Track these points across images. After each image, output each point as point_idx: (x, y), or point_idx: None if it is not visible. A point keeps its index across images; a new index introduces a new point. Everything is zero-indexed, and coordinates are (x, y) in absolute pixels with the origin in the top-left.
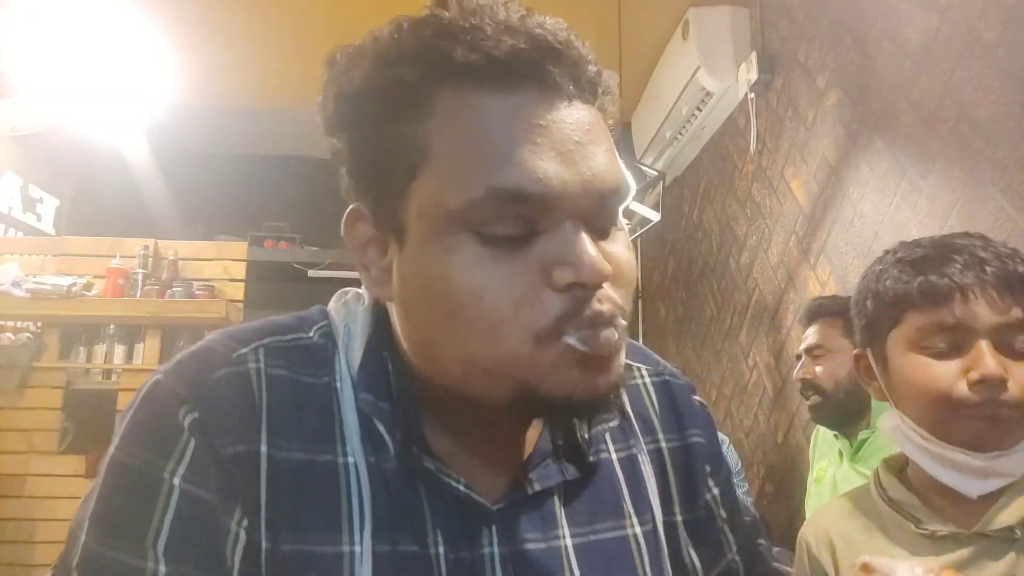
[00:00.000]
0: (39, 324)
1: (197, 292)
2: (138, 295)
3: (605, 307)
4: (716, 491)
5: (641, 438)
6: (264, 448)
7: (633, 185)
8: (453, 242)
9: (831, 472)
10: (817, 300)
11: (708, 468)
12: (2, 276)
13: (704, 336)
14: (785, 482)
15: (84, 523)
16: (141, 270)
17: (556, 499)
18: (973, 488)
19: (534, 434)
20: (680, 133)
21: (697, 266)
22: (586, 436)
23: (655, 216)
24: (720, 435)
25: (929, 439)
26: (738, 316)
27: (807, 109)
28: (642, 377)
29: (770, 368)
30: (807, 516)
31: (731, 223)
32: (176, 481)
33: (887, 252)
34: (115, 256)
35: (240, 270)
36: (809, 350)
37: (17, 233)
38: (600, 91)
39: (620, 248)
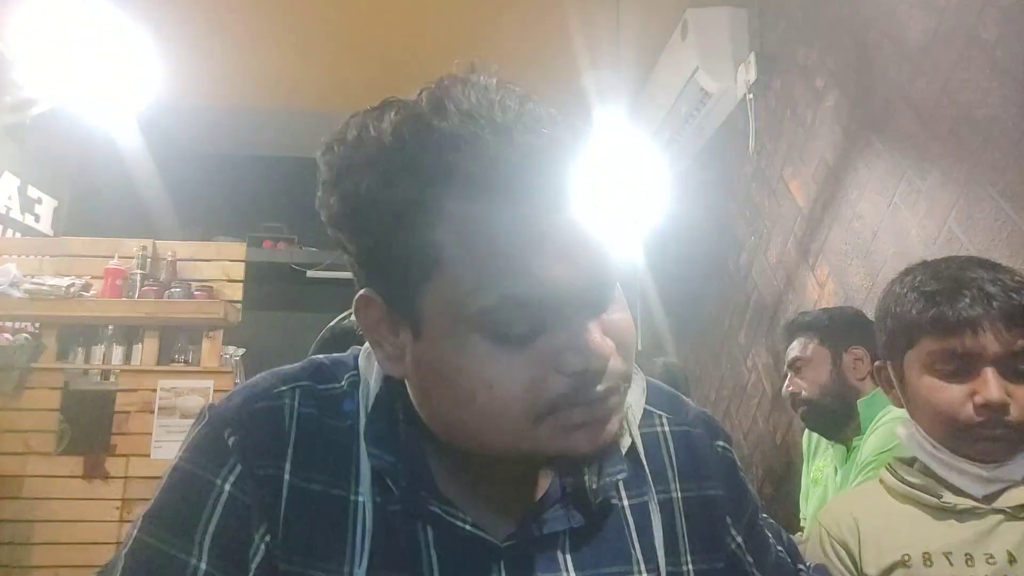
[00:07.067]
0: (37, 325)
1: (195, 293)
2: (136, 296)
3: (606, 386)
4: (740, 539)
5: (653, 487)
6: (287, 476)
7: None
8: (468, 340)
9: (827, 474)
10: (791, 318)
11: (729, 519)
12: (0, 277)
13: (703, 337)
14: (784, 483)
15: (139, 520)
16: (139, 271)
17: (562, 543)
18: (978, 491)
19: (545, 479)
20: (679, 134)
21: (696, 267)
22: (594, 487)
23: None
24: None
25: (940, 448)
26: (737, 317)
27: (806, 110)
28: (662, 425)
29: (769, 369)
30: (803, 514)
31: (730, 224)
32: (227, 486)
33: (906, 273)
34: (113, 257)
35: (238, 271)
36: (791, 364)
37: (15, 234)
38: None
39: (619, 315)
